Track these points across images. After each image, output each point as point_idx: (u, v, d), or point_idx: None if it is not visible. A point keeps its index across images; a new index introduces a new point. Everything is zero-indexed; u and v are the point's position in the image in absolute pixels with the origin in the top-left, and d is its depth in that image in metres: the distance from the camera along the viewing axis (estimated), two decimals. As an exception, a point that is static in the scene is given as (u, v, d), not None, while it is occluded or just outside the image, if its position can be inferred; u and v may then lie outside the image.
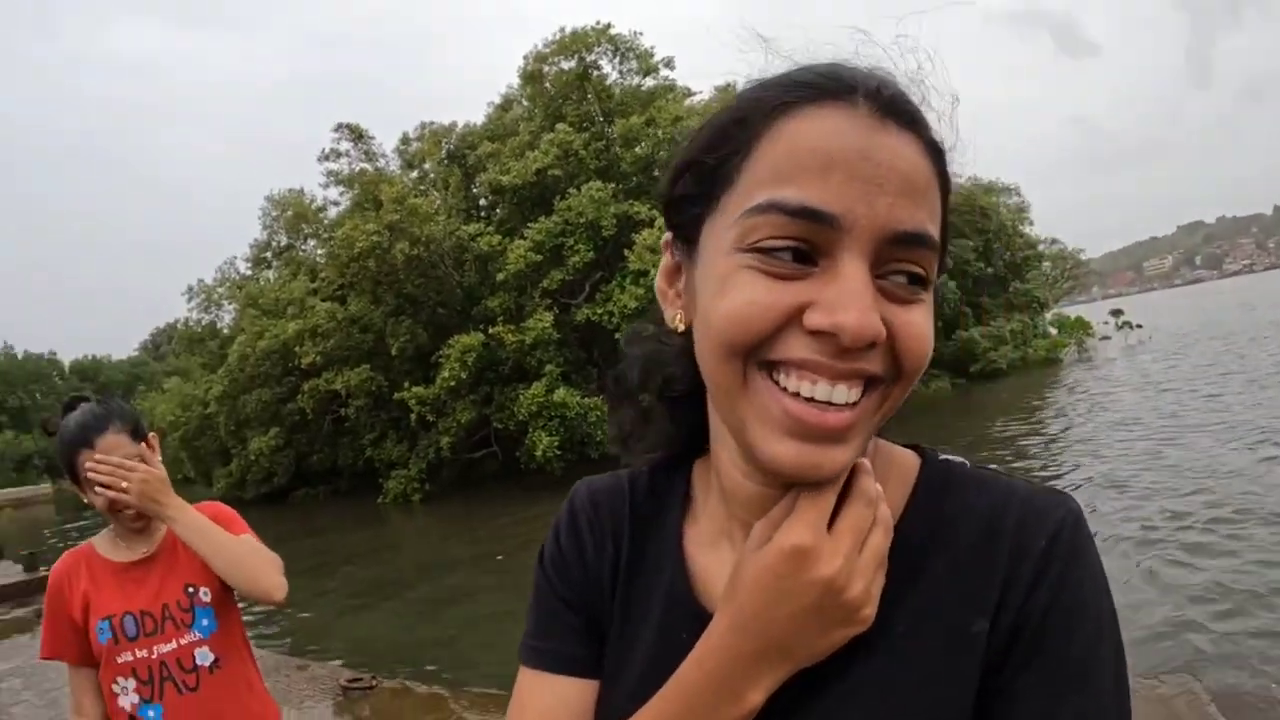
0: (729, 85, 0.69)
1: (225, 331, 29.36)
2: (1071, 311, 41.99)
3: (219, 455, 27.06)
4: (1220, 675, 4.80)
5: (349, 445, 23.24)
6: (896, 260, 0.58)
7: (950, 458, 0.72)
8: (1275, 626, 5.43)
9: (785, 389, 0.58)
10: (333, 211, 27.05)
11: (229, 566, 1.88)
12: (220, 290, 30.64)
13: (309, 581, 11.79)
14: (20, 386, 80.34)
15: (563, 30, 23.36)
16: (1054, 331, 33.46)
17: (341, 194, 26.28)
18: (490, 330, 19.77)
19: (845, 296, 0.55)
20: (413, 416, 20.10)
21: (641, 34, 24.15)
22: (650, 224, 18.29)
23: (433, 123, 26.81)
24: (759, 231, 0.57)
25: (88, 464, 1.83)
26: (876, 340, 0.56)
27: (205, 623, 1.91)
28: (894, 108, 0.58)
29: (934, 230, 0.59)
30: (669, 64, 24.43)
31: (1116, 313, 43.06)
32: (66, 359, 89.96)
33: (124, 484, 1.82)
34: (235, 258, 31.49)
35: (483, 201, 24.70)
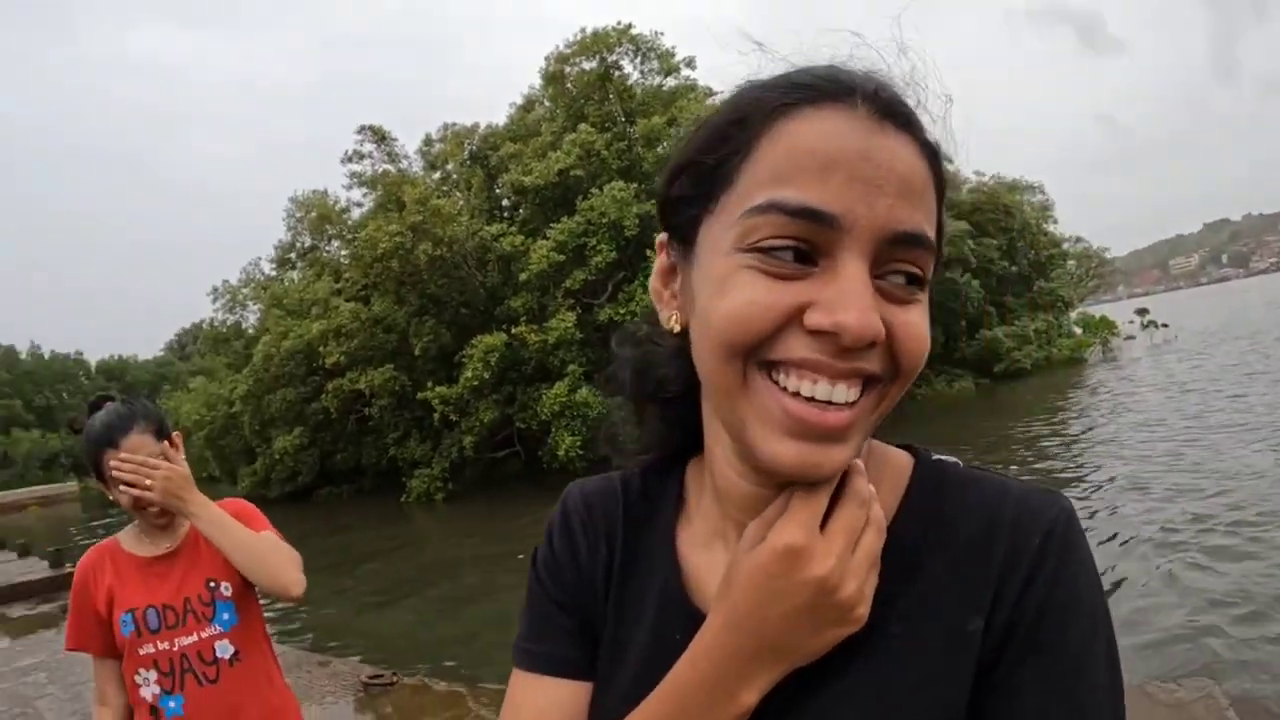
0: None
1: (250, 332, 29.69)
2: (1096, 311, 41.58)
3: (244, 454, 27.30)
4: (1239, 680, 4.74)
5: (373, 444, 23.43)
6: (895, 261, 0.58)
7: (943, 458, 0.72)
8: (1296, 632, 5.35)
9: (785, 389, 0.58)
10: (356, 213, 27.34)
11: (249, 561, 1.92)
12: (245, 291, 31.05)
13: (331, 579, 11.89)
14: (47, 386, 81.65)
15: (584, 31, 23.45)
16: (1078, 331, 33.14)
17: (365, 195, 26.54)
18: (513, 330, 19.85)
19: (846, 296, 0.55)
20: (436, 416, 20.21)
21: (662, 34, 24.30)
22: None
23: (455, 124, 27.11)
24: (759, 231, 0.57)
25: (112, 462, 1.87)
26: (877, 340, 0.56)
27: (226, 616, 1.94)
28: (892, 110, 0.59)
29: (931, 231, 0.60)
30: (690, 64, 24.50)
31: (1142, 311, 42.46)
32: (93, 359, 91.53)
33: (147, 481, 1.86)
34: (260, 259, 31.99)
35: (505, 202, 24.83)
